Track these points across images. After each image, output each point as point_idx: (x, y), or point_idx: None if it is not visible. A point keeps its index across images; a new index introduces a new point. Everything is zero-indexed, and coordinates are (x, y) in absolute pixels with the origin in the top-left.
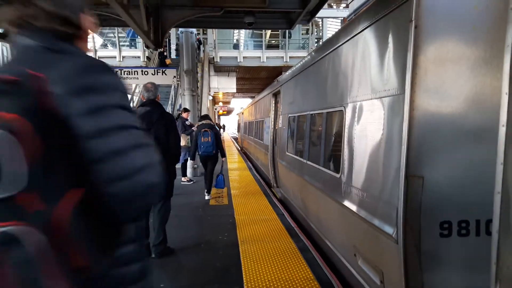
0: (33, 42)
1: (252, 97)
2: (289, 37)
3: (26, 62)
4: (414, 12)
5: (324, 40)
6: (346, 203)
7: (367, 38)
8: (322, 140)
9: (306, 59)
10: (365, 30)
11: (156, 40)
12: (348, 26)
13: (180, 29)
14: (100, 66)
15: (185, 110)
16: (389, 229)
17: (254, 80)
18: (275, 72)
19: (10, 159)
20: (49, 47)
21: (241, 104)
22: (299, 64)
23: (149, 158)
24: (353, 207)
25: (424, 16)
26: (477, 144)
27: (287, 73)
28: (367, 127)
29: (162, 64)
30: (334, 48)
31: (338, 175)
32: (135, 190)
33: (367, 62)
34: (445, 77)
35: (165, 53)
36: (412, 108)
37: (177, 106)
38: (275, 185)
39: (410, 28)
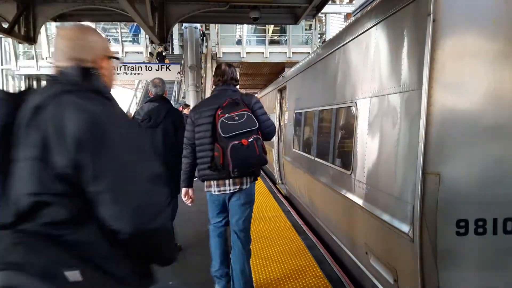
0: (228, 87)
1: (255, 93)
2: (284, 32)
3: (231, 95)
4: (433, 6)
5: (327, 35)
6: (358, 200)
7: (381, 33)
8: (331, 137)
9: (314, 54)
10: (379, 24)
11: (161, 35)
12: (361, 20)
13: (184, 24)
14: (253, 95)
15: (186, 105)
16: (404, 227)
17: (256, 76)
18: (278, 68)
19: (253, 119)
20: (232, 89)
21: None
22: (306, 60)
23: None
24: (365, 205)
25: (443, 9)
26: (495, 140)
27: (293, 68)
28: (382, 124)
29: None
30: (345, 43)
31: (349, 172)
32: (272, 127)
33: (381, 57)
34: (463, 72)
35: (163, 54)
36: (429, 103)
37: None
38: (280, 181)
39: (428, 22)
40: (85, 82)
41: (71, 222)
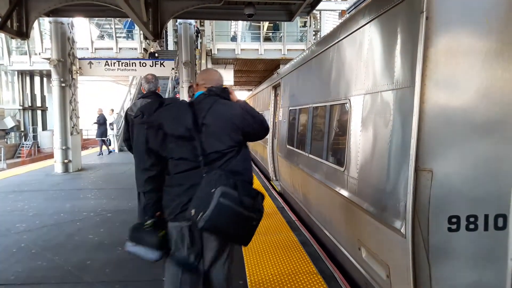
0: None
1: (250, 90)
2: (277, 29)
3: None
4: (426, 3)
5: (322, 33)
6: (351, 197)
7: (375, 30)
8: (325, 133)
9: (308, 51)
10: (372, 21)
11: (155, 31)
12: (355, 17)
13: (178, 20)
14: None
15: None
16: (396, 223)
17: (251, 73)
18: (273, 65)
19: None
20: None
21: (239, 97)
22: (301, 57)
23: None
24: (359, 201)
25: (436, 7)
26: (487, 137)
27: (287, 65)
28: (375, 120)
29: None
30: (339, 40)
31: (342, 169)
32: None
33: (375, 54)
34: (455, 69)
35: (156, 54)
36: (422, 101)
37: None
38: (274, 178)
39: (421, 19)
40: (222, 93)
41: (236, 155)
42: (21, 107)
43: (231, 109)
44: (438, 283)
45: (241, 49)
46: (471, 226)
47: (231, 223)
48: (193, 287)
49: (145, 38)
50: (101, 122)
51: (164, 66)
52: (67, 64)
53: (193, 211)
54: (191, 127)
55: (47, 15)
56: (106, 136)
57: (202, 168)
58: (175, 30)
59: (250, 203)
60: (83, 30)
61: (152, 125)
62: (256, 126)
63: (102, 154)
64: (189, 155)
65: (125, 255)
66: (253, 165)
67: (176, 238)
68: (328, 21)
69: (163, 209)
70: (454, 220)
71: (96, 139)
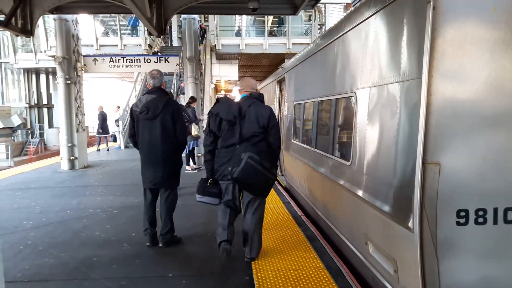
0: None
1: None
2: (281, 23)
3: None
4: None
5: (327, 26)
6: (358, 191)
7: (381, 21)
8: (331, 128)
9: (313, 45)
10: (378, 13)
11: (159, 27)
12: (360, 9)
13: (182, 15)
14: None
15: (193, 99)
16: (404, 218)
17: (256, 67)
18: (278, 59)
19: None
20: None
21: None
22: (305, 50)
23: None
24: (365, 196)
25: None
26: (496, 129)
27: (292, 59)
28: (381, 114)
29: None
30: (344, 32)
31: (348, 163)
32: None
33: (380, 46)
34: (463, 60)
35: (158, 53)
36: (429, 93)
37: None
38: (280, 173)
39: (428, 10)
40: (259, 97)
41: (262, 141)
42: (27, 105)
43: (264, 108)
44: (446, 277)
45: (246, 44)
46: (480, 220)
47: (254, 176)
48: (233, 219)
49: (150, 34)
50: (101, 119)
51: (168, 62)
52: (72, 61)
53: (230, 168)
54: (237, 115)
55: (51, 12)
56: (107, 132)
57: (237, 144)
58: (179, 26)
59: (268, 166)
60: (88, 27)
61: (212, 114)
62: (275, 123)
63: (108, 149)
64: (232, 134)
65: (131, 251)
66: None
67: (225, 190)
68: (333, 15)
69: (215, 173)
70: (462, 214)
71: (107, 135)
